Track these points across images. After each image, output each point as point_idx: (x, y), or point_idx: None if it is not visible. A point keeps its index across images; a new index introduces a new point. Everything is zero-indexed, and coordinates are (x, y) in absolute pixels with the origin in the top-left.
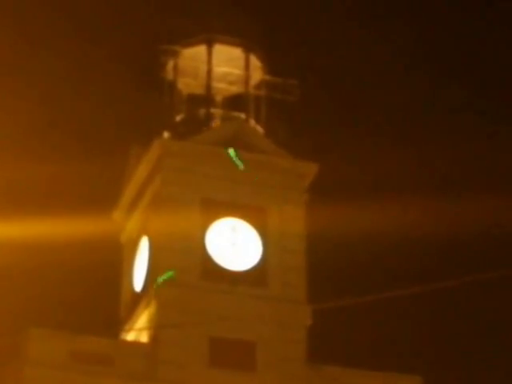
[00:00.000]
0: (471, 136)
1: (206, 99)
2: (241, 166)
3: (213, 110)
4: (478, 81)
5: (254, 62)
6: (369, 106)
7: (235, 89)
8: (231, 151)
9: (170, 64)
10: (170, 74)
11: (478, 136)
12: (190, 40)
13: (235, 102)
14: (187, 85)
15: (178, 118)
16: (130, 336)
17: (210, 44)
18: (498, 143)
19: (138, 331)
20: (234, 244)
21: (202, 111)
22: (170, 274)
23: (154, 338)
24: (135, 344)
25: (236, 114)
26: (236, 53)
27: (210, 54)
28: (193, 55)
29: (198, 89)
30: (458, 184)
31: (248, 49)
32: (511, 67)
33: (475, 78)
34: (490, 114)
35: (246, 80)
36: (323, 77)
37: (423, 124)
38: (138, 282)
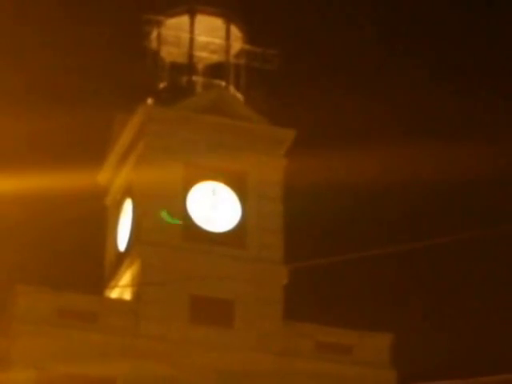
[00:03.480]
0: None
1: (188, 67)
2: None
3: (195, 78)
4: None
5: (235, 31)
6: (345, 72)
7: (216, 57)
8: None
9: (154, 33)
10: (153, 42)
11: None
12: (173, 10)
13: (216, 71)
14: (170, 53)
15: (161, 85)
16: (113, 293)
17: (192, 14)
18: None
19: (121, 289)
20: (214, 206)
21: (184, 79)
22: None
23: (137, 296)
24: (119, 301)
25: (217, 81)
26: (217, 23)
27: (192, 23)
28: (176, 25)
29: (181, 57)
30: (434, 133)
31: (229, 19)
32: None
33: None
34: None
35: (227, 49)
36: (301, 46)
37: (398, 79)
38: (122, 242)
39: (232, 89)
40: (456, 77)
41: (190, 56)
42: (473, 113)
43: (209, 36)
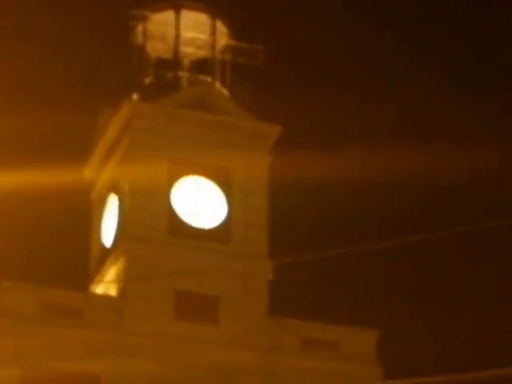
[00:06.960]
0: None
1: (173, 63)
2: None
3: (180, 74)
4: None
5: (220, 27)
6: (330, 69)
7: (202, 53)
8: None
9: (139, 28)
10: (139, 38)
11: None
12: (158, 5)
13: (202, 66)
14: (155, 49)
15: (147, 80)
16: (98, 289)
17: (177, 9)
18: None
19: (106, 285)
20: (199, 202)
21: (169, 74)
22: None
23: (122, 292)
24: (104, 297)
25: (202, 77)
26: (203, 18)
27: (177, 19)
28: (161, 20)
29: (166, 53)
30: (420, 130)
31: (214, 15)
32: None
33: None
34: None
35: (212, 45)
36: (287, 42)
37: (386, 79)
38: (107, 238)
39: (217, 84)
40: (440, 70)
41: (176, 51)
42: (462, 112)
43: (194, 31)
